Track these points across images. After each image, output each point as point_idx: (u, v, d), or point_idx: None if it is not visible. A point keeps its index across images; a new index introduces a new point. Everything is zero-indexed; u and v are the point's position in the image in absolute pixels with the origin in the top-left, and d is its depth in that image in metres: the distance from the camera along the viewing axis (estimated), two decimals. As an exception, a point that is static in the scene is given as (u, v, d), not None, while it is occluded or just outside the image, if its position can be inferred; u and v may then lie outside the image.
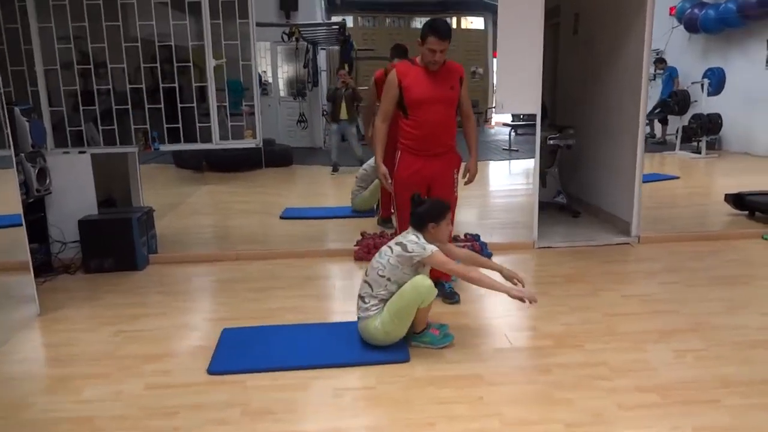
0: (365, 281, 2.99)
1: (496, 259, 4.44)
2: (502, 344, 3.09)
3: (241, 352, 2.96)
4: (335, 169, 8.57)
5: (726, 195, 5.72)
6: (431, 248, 2.89)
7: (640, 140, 4.68)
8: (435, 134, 3.44)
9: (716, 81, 9.42)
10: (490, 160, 10.10)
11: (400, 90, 3.38)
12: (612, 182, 5.16)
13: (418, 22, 16.58)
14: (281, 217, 5.91)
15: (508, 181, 8.94)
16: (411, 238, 2.94)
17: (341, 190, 8.03)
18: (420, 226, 2.99)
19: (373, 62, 14.77)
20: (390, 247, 2.97)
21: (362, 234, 4.85)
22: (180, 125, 4.45)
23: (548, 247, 4.73)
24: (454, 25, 16.83)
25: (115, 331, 3.30)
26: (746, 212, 5.57)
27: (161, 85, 4.37)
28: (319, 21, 12.37)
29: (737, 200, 5.61)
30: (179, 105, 4.43)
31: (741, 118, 9.51)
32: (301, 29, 9.28)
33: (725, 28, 9.39)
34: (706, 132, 9.58)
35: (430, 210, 3.00)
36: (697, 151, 9.69)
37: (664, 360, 2.88)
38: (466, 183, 3.65)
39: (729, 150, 9.89)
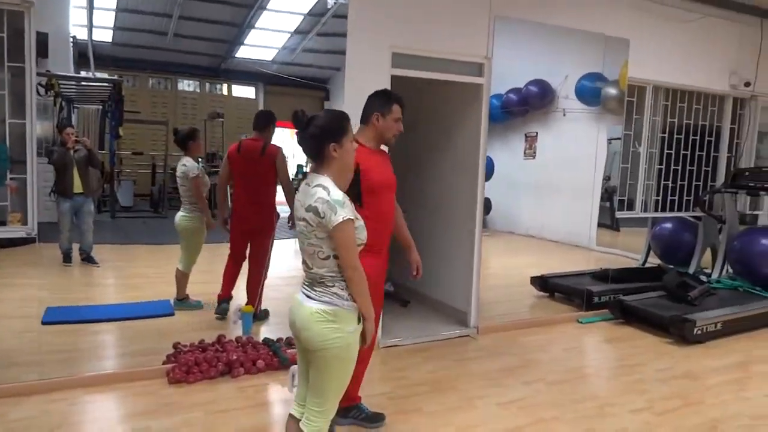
0: (312, 272, 2.14)
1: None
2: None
3: None
4: (67, 259, 6.37)
5: (531, 278, 6.01)
6: (343, 214, 2.00)
7: (478, 228, 4.61)
8: (390, 228, 2.98)
9: (487, 168, 10.36)
10: (282, 238, 9.43)
11: (357, 174, 2.59)
12: (445, 270, 4.98)
13: (186, 85, 15.55)
14: (44, 322, 4.42)
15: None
16: (317, 193, 2.05)
17: (118, 277, 6.61)
18: (319, 157, 2.12)
19: (136, 126, 13.27)
20: (305, 219, 2.08)
21: (175, 346, 3.79)
22: None
23: (393, 346, 4.27)
24: (225, 92, 16.18)
25: None
26: (548, 294, 5.90)
27: None
28: (71, 74, 10.62)
29: (542, 283, 5.92)
30: None
31: (506, 201, 10.56)
32: (61, 82, 7.68)
33: (490, 122, 10.43)
34: (478, 213, 10.43)
35: (325, 126, 2.11)
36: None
37: (585, 488, 2.56)
38: (416, 277, 3.26)
39: (496, 229, 10.86)
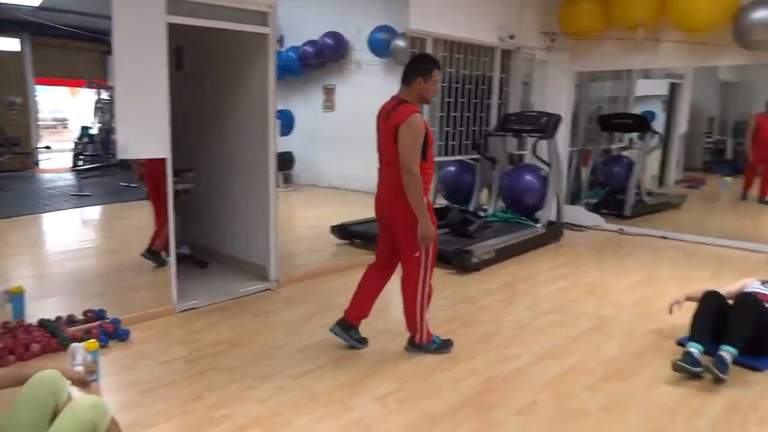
0: None
1: (136, 336, 3.64)
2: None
3: None
4: None
5: (332, 226, 6.20)
6: None
7: (272, 181, 4.59)
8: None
9: (287, 122, 10.32)
10: (58, 209, 8.41)
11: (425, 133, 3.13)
12: (242, 227, 4.92)
13: None
14: None
15: (88, 233, 7.61)
16: None
17: None
18: None
19: None
20: None
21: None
22: None
23: (191, 309, 4.15)
24: (-21, 45, 13.78)
25: None
26: (348, 240, 6.15)
27: None
28: None
29: (341, 230, 6.14)
30: None
31: (308, 155, 10.66)
32: None
33: (287, 74, 10.33)
34: (281, 168, 10.38)
35: None
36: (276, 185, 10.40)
37: (373, 413, 2.78)
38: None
39: (300, 183, 10.94)
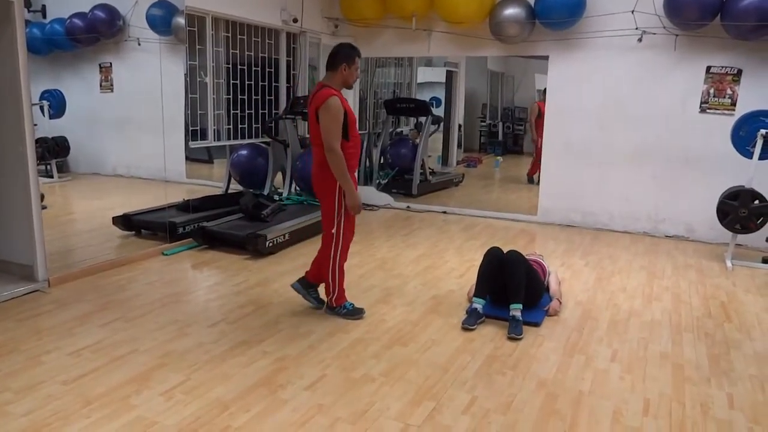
0: None
1: None
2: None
3: None
4: None
5: (114, 218, 5.72)
6: None
7: (32, 170, 4.07)
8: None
9: (57, 103, 9.19)
10: None
11: (345, 114, 3.44)
12: (-1, 223, 4.31)
13: None
14: None
15: None
16: None
17: None
18: None
19: None
20: None
21: None
22: None
23: (-68, 322, 3.55)
24: None
25: None
26: (134, 232, 5.74)
27: None
28: None
29: (125, 221, 5.70)
30: None
31: (86, 140, 9.62)
32: None
33: (54, 49, 9.19)
34: (55, 155, 9.25)
35: None
36: (49, 175, 9.25)
37: (158, 408, 2.67)
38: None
39: (79, 172, 9.87)
